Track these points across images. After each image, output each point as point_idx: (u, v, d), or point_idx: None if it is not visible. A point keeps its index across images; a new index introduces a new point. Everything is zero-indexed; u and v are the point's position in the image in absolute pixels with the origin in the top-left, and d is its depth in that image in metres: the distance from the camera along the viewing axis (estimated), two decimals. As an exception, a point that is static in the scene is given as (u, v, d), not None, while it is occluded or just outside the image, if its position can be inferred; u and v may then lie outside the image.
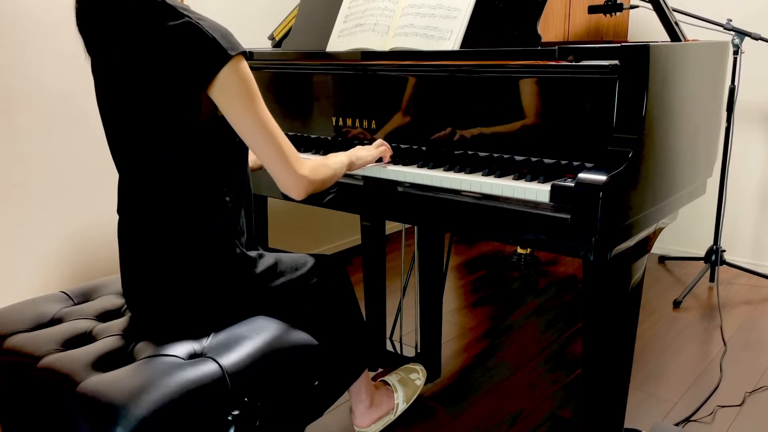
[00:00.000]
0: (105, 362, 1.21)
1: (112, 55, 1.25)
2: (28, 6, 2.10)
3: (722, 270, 2.99)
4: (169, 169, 1.26)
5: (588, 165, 1.29)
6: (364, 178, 1.56)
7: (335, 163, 1.42)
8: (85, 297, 1.51)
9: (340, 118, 1.71)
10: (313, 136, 1.79)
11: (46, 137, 2.21)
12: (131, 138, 1.27)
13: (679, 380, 2.15)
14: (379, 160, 1.57)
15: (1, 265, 2.15)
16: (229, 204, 1.31)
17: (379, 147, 1.56)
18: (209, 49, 1.17)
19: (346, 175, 1.57)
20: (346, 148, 1.55)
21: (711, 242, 2.92)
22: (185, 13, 1.21)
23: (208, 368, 1.17)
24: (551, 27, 3.05)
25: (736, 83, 2.67)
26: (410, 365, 1.95)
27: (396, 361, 2.07)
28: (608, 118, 1.26)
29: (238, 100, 1.21)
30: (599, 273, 1.36)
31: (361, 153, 1.51)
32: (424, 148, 1.55)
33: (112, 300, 1.48)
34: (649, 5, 1.63)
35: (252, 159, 1.48)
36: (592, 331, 1.41)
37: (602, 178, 1.16)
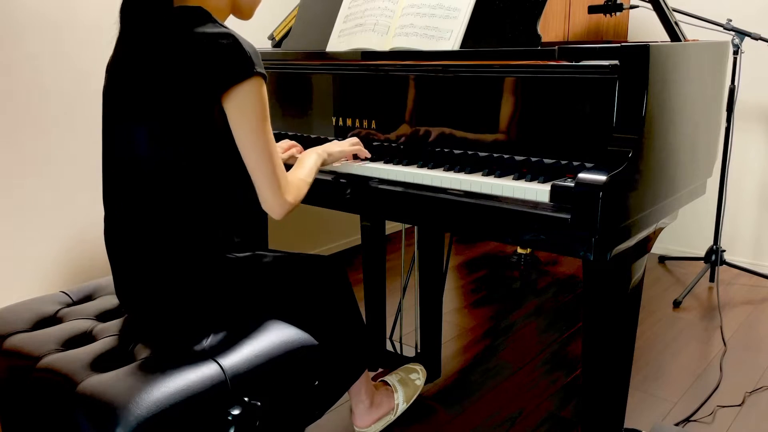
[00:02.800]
0: (105, 362, 1.21)
1: (145, 46, 1.26)
2: (30, 5, 2.11)
3: (722, 270, 2.99)
4: (159, 168, 1.26)
5: (588, 165, 1.29)
6: (364, 178, 1.56)
7: (310, 174, 1.45)
8: (84, 297, 1.51)
9: (340, 118, 1.71)
10: (313, 136, 1.79)
11: (46, 137, 2.21)
12: (130, 132, 1.27)
13: (679, 380, 2.15)
14: (355, 157, 1.59)
15: (1, 265, 2.15)
16: (219, 206, 1.32)
17: (354, 145, 1.58)
18: (239, 59, 1.21)
19: (345, 176, 1.58)
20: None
21: (711, 242, 2.92)
22: (226, 26, 1.26)
23: (208, 368, 1.17)
24: (551, 27, 3.05)
25: (736, 83, 2.67)
26: (410, 365, 1.95)
27: (396, 361, 2.07)
28: (608, 118, 1.26)
29: (250, 117, 1.25)
30: (599, 273, 1.36)
31: (333, 149, 1.55)
32: (424, 148, 1.55)
33: (112, 300, 1.48)
34: (649, 5, 1.63)
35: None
36: (592, 331, 1.41)
37: (602, 178, 1.16)
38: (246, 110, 1.24)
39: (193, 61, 1.21)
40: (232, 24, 1.59)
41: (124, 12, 1.31)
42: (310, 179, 1.45)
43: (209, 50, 1.21)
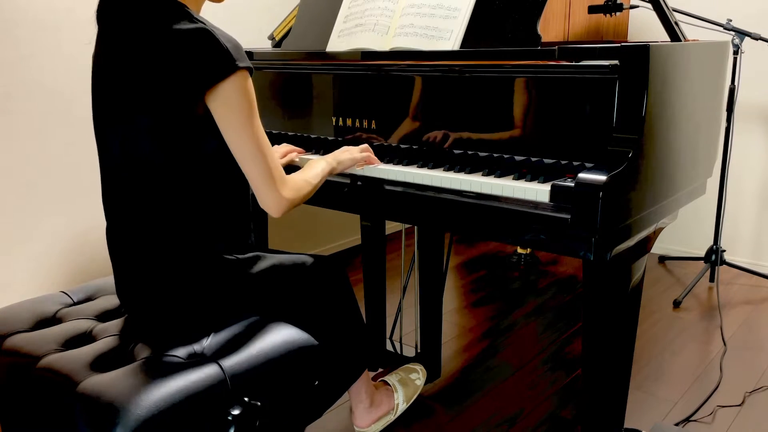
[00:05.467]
0: (105, 362, 1.21)
1: (123, 46, 1.25)
2: (29, 5, 2.11)
3: (722, 270, 2.99)
4: (155, 169, 1.26)
5: (588, 165, 1.29)
6: (364, 178, 1.56)
7: (315, 177, 1.43)
8: (84, 297, 1.51)
9: (340, 118, 1.71)
10: (313, 136, 1.78)
11: (47, 137, 2.21)
12: (120, 131, 1.27)
13: (679, 380, 2.15)
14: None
15: (1, 265, 2.15)
16: (216, 206, 1.32)
17: (363, 152, 1.55)
18: (218, 56, 1.18)
19: (346, 176, 1.57)
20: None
21: (711, 242, 2.92)
22: (201, 20, 1.23)
23: (208, 368, 1.17)
24: (551, 27, 3.05)
25: (736, 83, 2.67)
26: (410, 365, 1.95)
27: (396, 361, 2.07)
28: (608, 118, 1.26)
29: (237, 113, 1.22)
30: (599, 273, 1.36)
31: (343, 157, 1.52)
32: (424, 148, 1.55)
33: (112, 300, 1.48)
34: (649, 5, 1.63)
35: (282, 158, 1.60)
36: (592, 331, 1.41)
37: (602, 178, 1.16)
38: (231, 107, 1.21)
39: (171, 62, 1.19)
40: (232, 19, 1.58)
41: (102, 8, 1.29)
42: (314, 181, 1.41)
43: (186, 50, 1.18)
